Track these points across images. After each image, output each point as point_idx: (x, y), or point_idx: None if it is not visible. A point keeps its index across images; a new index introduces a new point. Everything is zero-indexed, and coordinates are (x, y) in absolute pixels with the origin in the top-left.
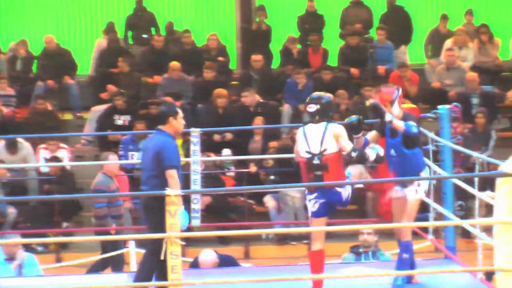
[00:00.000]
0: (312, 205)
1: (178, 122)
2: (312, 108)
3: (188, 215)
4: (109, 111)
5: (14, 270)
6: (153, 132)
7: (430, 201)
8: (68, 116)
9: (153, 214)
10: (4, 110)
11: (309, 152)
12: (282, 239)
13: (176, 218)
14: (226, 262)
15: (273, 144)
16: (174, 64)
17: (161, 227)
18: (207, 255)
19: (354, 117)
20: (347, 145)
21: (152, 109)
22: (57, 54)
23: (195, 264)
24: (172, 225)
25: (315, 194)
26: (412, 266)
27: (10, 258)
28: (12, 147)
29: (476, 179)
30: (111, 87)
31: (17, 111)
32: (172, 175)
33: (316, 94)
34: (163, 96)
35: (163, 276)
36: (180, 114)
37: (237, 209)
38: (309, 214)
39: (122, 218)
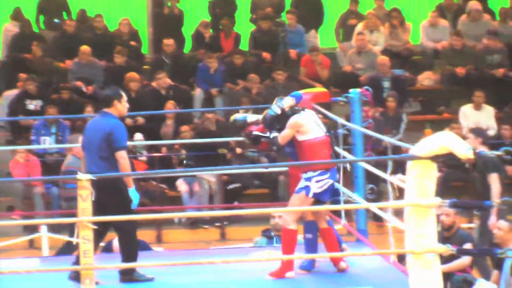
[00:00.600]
0: (320, 186)
1: (122, 105)
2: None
3: (138, 195)
4: (20, 96)
5: None
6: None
7: (339, 186)
8: None
9: (110, 195)
10: None
11: (326, 131)
12: (194, 223)
13: (87, 202)
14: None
15: (184, 128)
16: (84, 48)
17: (122, 207)
18: None
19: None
20: None
21: (64, 94)
22: None
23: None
24: (83, 210)
25: (328, 174)
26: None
27: None
28: None
29: (388, 163)
30: (23, 75)
31: None
32: (123, 156)
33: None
34: (74, 81)
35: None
36: (125, 97)
37: (149, 193)
38: (310, 195)
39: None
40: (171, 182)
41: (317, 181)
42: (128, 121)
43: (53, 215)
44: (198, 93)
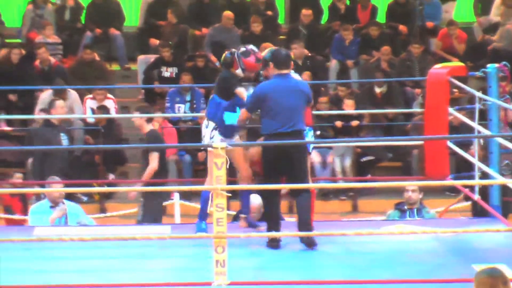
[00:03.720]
0: None
1: None
2: None
3: None
4: (156, 63)
5: (52, 222)
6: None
7: (475, 160)
8: (114, 67)
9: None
10: (51, 59)
11: None
12: (326, 194)
13: (222, 170)
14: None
15: (322, 99)
16: (228, 13)
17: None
18: (254, 199)
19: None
20: None
21: (199, 62)
22: (105, 5)
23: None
24: (218, 178)
25: None
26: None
27: (55, 205)
28: (59, 93)
29: None
30: (154, 41)
31: (64, 60)
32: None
33: None
34: (209, 46)
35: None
36: None
37: None
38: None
39: None
40: None
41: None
42: None
43: (185, 182)
44: (333, 64)
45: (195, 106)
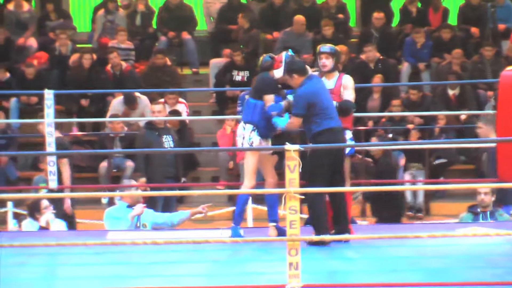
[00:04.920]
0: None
1: None
2: None
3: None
4: (227, 67)
5: (132, 219)
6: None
7: None
8: (186, 71)
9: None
10: (123, 64)
11: None
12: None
13: (295, 173)
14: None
15: (395, 102)
16: (300, 18)
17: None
18: None
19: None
20: None
21: None
22: (178, 9)
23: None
24: (291, 180)
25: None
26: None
27: (132, 205)
28: (130, 102)
29: None
30: (226, 51)
31: (136, 65)
32: None
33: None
34: (280, 51)
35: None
36: None
37: (354, 166)
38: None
39: None
40: None
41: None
42: None
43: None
44: (405, 67)
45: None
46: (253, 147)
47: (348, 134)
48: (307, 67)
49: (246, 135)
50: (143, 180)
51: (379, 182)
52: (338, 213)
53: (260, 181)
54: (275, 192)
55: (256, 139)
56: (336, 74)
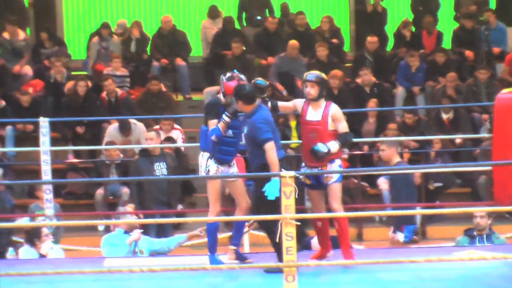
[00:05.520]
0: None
1: None
2: None
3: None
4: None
5: (130, 245)
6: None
7: None
8: (180, 97)
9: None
10: (118, 91)
11: None
12: None
13: (291, 199)
14: (337, 244)
15: (391, 126)
16: (293, 42)
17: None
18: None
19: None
20: None
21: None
22: (171, 35)
23: (305, 246)
24: (287, 206)
25: None
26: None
27: (129, 231)
28: (125, 128)
29: None
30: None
31: (131, 92)
32: None
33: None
34: (275, 76)
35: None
36: None
37: (350, 191)
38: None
39: None
40: (372, 180)
41: (340, 166)
42: None
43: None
44: (399, 91)
45: None
46: (230, 174)
47: (337, 163)
48: (256, 95)
49: (203, 164)
50: (132, 206)
51: (368, 207)
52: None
53: (232, 208)
54: (270, 219)
55: (212, 167)
56: (323, 102)
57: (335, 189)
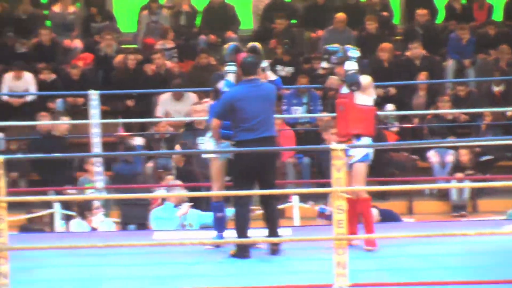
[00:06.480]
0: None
1: None
2: None
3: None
4: (272, 61)
5: (180, 217)
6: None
7: None
8: None
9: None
10: (168, 64)
11: None
12: (445, 195)
13: (342, 172)
14: (387, 217)
15: (444, 98)
16: (340, 15)
17: None
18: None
19: None
20: None
21: (315, 64)
22: (221, 9)
23: None
24: (337, 180)
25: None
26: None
27: (178, 204)
28: (178, 94)
29: None
30: (273, 42)
31: (181, 65)
32: None
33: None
34: (323, 51)
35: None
36: None
37: (400, 164)
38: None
39: None
40: (422, 153)
41: None
42: (380, 91)
43: (304, 184)
44: (450, 64)
45: (311, 108)
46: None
47: (364, 140)
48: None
49: (206, 142)
50: (171, 177)
51: (418, 180)
52: (239, 220)
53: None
54: (323, 191)
55: (209, 144)
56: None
57: (358, 170)
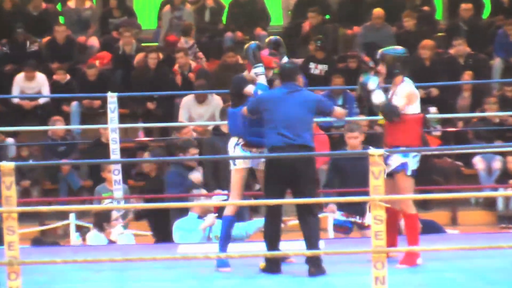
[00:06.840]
0: (417, 161)
1: None
2: None
3: None
4: (305, 60)
5: (203, 231)
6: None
7: None
8: None
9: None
10: (192, 63)
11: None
12: (493, 204)
13: (380, 180)
14: (429, 228)
15: (490, 99)
16: (377, 11)
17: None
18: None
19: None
20: None
21: (351, 63)
22: (249, 4)
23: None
24: (375, 187)
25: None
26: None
27: (202, 215)
28: (201, 97)
29: None
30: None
31: (206, 64)
32: None
33: None
34: (361, 47)
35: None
36: None
37: (444, 171)
38: (409, 173)
39: None
40: (467, 159)
41: (414, 156)
42: (421, 92)
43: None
44: (497, 62)
45: (347, 110)
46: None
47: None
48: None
49: (231, 151)
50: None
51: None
52: (269, 232)
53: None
54: (360, 200)
55: (237, 152)
56: (399, 79)
57: (400, 182)
